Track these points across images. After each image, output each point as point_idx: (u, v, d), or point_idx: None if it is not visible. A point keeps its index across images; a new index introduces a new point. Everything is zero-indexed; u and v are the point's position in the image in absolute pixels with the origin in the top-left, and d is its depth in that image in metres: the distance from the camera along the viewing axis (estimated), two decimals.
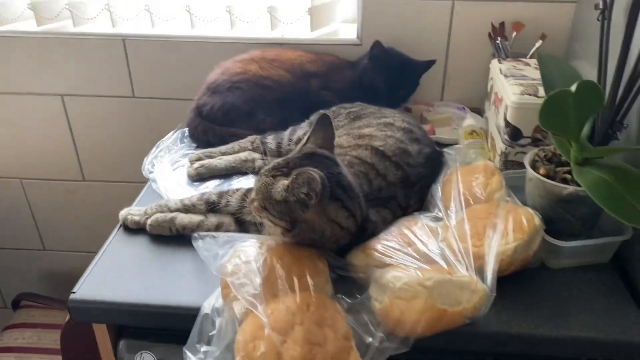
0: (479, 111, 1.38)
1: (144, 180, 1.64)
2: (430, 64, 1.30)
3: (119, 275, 0.90)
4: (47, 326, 1.61)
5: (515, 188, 0.97)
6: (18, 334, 1.60)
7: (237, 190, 0.99)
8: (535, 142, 1.06)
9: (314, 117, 1.21)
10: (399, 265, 0.79)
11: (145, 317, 0.85)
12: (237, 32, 1.42)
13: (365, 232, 0.86)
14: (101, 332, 0.90)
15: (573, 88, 0.72)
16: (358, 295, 0.77)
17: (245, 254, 0.79)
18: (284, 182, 0.79)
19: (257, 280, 0.75)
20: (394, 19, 1.35)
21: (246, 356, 0.69)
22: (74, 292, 0.86)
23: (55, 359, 1.51)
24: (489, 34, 1.31)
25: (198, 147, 1.25)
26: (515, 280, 0.85)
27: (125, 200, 1.66)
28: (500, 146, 1.10)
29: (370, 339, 0.72)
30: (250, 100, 1.23)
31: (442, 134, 1.29)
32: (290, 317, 0.71)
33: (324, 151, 0.86)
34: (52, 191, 1.69)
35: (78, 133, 1.58)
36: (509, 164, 1.09)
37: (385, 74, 1.27)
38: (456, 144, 1.23)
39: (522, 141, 1.06)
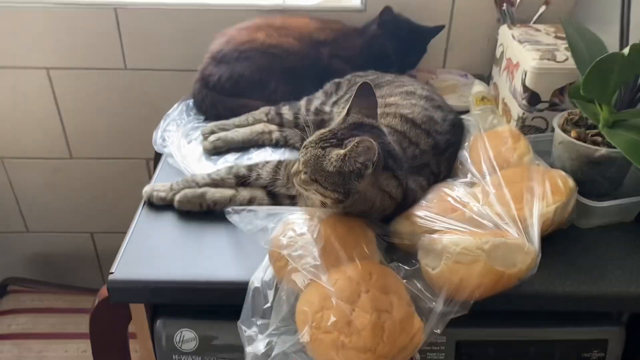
0: (481, 77, 1.40)
1: (136, 156, 1.60)
2: (438, 29, 1.29)
3: (154, 253, 0.87)
4: (42, 311, 1.55)
5: (537, 152, 0.99)
6: (10, 320, 1.53)
7: (267, 162, 0.97)
8: (553, 106, 1.08)
9: (327, 86, 1.19)
10: (448, 231, 0.80)
11: (188, 294, 0.83)
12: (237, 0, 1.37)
13: (407, 200, 0.86)
14: (139, 313, 0.87)
15: (625, 51, 0.73)
16: (414, 261, 0.78)
17: (299, 226, 0.78)
18: (338, 152, 0.77)
19: (315, 252, 0.74)
20: None
21: (316, 326, 0.68)
22: (112, 273, 0.83)
23: (55, 344, 1.46)
24: (495, 0, 1.31)
25: (206, 119, 1.21)
26: (552, 241, 0.88)
27: (116, 177, 1.62)
28: (518, 111, 1.11)
29: (433, 304, 0.72)
30: (260, 70, 1.20)
31: (450, 101, 1.29)
32: (355, 285, 0.71)
33: (371, 120, 0.85)
34: (37, 170, 1.61)
35: (65, 108, 1.51)
36: (526, 128, 1.11)
37: (395, 41, 1.26)
38: (466, 110, 1.24)
39: (540, 106, 1.08)
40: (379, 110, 1.00)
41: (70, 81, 1.46)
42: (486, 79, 1.39)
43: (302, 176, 0.80)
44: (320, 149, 0.79)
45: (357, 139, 0.74)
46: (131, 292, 0.83)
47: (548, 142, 1.05)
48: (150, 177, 1.60)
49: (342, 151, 0.77)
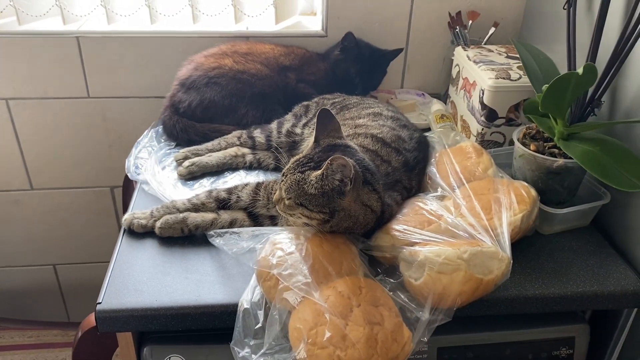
0: (437, 96, 1.47)
1: (101, 185, 1.58)
2: (397, 52, 1.36)
3: (140, 281, 0.87)
4: (6, 348, 1.50)
5: (497, 165, 1.05)
6: None
7: (247, 185, 0.99)
8: (509, 121, 1.16)
9: (296, 109, 1.23)
10: (426, 242, 0.84)
11: (178, 320, 0.83)
12: (201, 26, 1.39)
13: (384, 215, 0.90)
14: (126, 341, 0.87)
15: (580, 70, 0.81)
16: (398, 274, 0.82)
17: (286, 245, 0.80)
18: (316, 174, 0.81)
19: (305, 269, 0.77)
20: (356, 11, 1.40)
21: (312, 342, 0.71)
22: (99, 303, 0.82)
23: None
24: (449, 23, 1.39)
25: (178, 145, 1.22)
26: (520, 248, 0.94)
27: (80, 207, 1.60)
28: (477, 127, 1.18)
29: (420, 314, 0.76)
30: (230, 95, 1.22)
31: (410, 120, 1.36)
32: (347, 300, 0.74)
33: (343, 141, 0.89)
34: None
35: (25, 139, 1.48)
36: (485, 143, 1.18)
37: (358, 64, 1.32)
38: (427, 128, 1.30)
39: (497, 121, 1.16)
40: (351, 131, 1.05)
41: (30, 111, 1.44)
42: (442, 97, 1.47)
43: (287, 202, 0.83)
44: (299, 174, 0.83)
45: (330, 158, 0.78)
46: (119, 322, 0.82)
47: (506, 155, 1.12)
48: (115, 205, 1.60)
49: (319, 172, 0.81)
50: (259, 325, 0.79)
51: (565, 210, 0.97)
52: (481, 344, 0.92)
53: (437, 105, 1.36)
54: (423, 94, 1.48)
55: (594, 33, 0.96)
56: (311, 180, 0.81)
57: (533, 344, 0.93)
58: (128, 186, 1.36)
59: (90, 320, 0.86)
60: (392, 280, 0.81)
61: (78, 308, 1.74)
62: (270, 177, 1.13)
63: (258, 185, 0.98)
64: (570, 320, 0.95)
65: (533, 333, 0.93)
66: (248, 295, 0.82)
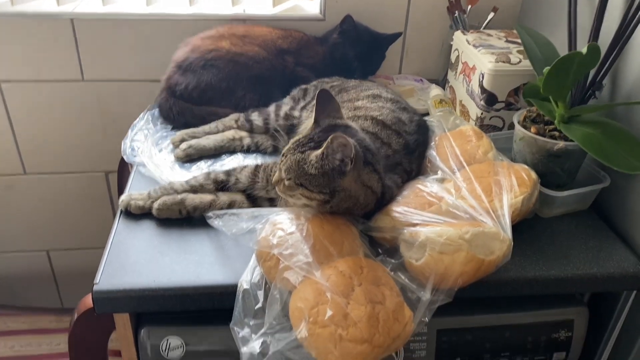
0: (435, 82, 1.46)
1: (95, 169, 1.56)
2: (396, 36, 1.35)
3: (137, 261, 0.86)
4: (0, 334, 1.48)
5: (497, 149, 1.05)
6: None
7: (245, 167, 0.98)
8: (508, 106, 1.15)
9: (294, 92, 1.22)
10: (427, 224, 0.84)
11: (176, 301, 0.82)
12: (197, 9, 1.38)
13: (385, 197, 0.89)
14: (123, 323, 0.86)
15: (584, 50, 0.80)
16: (398, 255, 0.81)
17: (287, 226, 0.79)
18: (316, 153, 0.80)
19: (306, 249, 0.76)
20: None
21: (313, 321, 0.70)
22: (96, 284, 0.81)
23: None
24: (448, 8, 1.38)
25: (174, 128, 1.21)
26: (520, 230, 0.93)
27: (74, 192, 1.58)
28: (476, 111, 1.18)
29: (421, 294, 0.76)
30: (227, 78, 1.21)
31: None
32: (348, 279, 0.73)
33: (343, 121, 0.88)
34: None
35: (18, 122, 1.45)
36: (484, 127, 1.17)
37: (356, 48, 1.30)
38: (425, 113, 1.29)
39: (497, 106, 1.15)
40: (350, 114, 1.04)
41: (23, 94, 1.41)
42: (440, 82, 1.46)
43: (286, 182, 0.82)
44: (299, 154, 0.82)
45: (330, 137, 0.77)
46: (117, 302, 0.81)
47: (505, 139, 1.12)
48: (110, 190, 1.59)
49: (319, 151, 0.80)
50: (259, 305, 0.78)
51: (565, 193, 0.96)
52: (480, 326, 0.92)
53: (435, 91, 1.36)
54: (421, 80, 1.47)
55: (595, 15, 0.95)
56: (311, 159, 0.80)
57: (532, 327, 0.93)
58: (123, 170, 1.34)
59: (87, 302, 0.85)
60: (392, 261, 0.80)
61: (72, 294, 1.73)
62: (269, 160, 1.12)
63: (257, 167, 0.97)
64: (569, 303, 0.95)
65: (532, 316, 0.93)
66: (248, 276, 0.82)
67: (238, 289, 0.80)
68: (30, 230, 1.62)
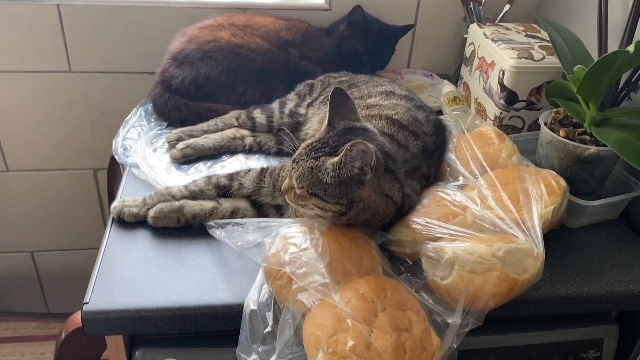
0: (446, 77, 1.39)
1: (83, 167, 1.47)
2: (407, 28, 1.26)
3: (132, 277, 0.78)
4: None
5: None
6: None
7: (250, 170, 0.90)
8: (530, 105, 1.08)
9: (300, 87, 1.14)
10: (452, 238, 0.76)
11: (174, 323, 0.74)
12: None
13: (404, 206, 0.82)
14: (116, 345, 0.77)
15: (631, 48, 0.72)
16: (423, 273, 0.74)
17: (300, 240, 0.71)
18: (332, 161, 0.72)
19: (322, 268, 0.68)
20: None
21: (332, 352, 0.62)
22: (86, 303, 0.73)
23: None
24: None
25: (170, 125, 1.12)
26: (546, 243, 0.86)
27: (60, 190, 1.48)
28: (495, 110, 1.10)
29: (451, 319, 0.68)
30: (227, 71, 1.12)
31: None
32: (370, 304, 0.66)
33: (360, 123, 0.80)
34: None
35: (0, 116, 1.36)
36: (503, 128, 1.10)
37: (366, 41, 1.22)
38: (438, 111, 1.21)
39: (517, 105, 1.08)
40: (363, 113, 0.96)
41: (5, 85, 1.32)
42: (451, 78, 1.38)
43: (298, 191, 0.74)
44: (313, 160, 0.74)
45: (349, 143, 0.69)
46: (109, 324, 0.73)
47: (524, 141, 1.04)
48: (99, 189, 1.49)
49: (336, 158, 0.72)
50: (268, 329, 0.70)
51: (597, 202, 0.89)
52: (505, 346, 0.85)
53: (448, 87, 1.28)
54: (431, 75, 1.39)
55: (631, 10, 0.88)
56: (327, 167, 0.72)
57: (559, 346, 0.86)
58: (114, 169, 1.26)
59: (76, 319, 0.77)
60: (417, 280, 0.73)
61: (58, 298, 1.63)
62: (273, 161, 1.04)
63: (263, 170, 0.89)
64: (599, 320, 0.88)
65: (559, 335, 0.86)
66: (254, 295, 0.74)
67: (244, 309, 0.72)
68: (13, 230, 1.53)
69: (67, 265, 1.57)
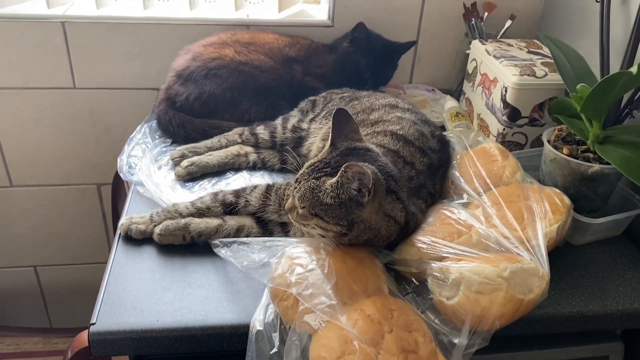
0: (448, 92, 1.39)
1: (86, 182, 1.47)
2: (410, 45, 1.27)
3: (138, 297, 0.78)
4: None
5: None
6: None
7: (256, 187, 0.90)
8: (532, 122, 1.08)
9: (303, 104, 1.14)
10: (457, 257, 0.76)
11: (180, 343, 0.74)
12: (198, 13, 1.29)
13: (409, 225, 0.82)
14: None
15: (634, 69, 0.73)
16: (429, 292, 0.74)
17: (306, 261, 0.72)
18: (331, 181, 0.72)
19: (328, 289, 0.68)
20: (365, 0, 1.31)
21: None
22: (93, 324, 0.73)
23: None
24: (464, 15, 1.31)
25: (174, 142, 1.12)
26: (550, 260, 0.86)
27: (63, 205, 1.49)
28: (497, 127, 1.10)
29: (457, 339, 0.68)
30: (232, 88, 1.13)
31: None
32: (377, 325, 0.66)
33: (363, 144, 0.81)
34: None
35: (4, 131, 1.36)
36: (506, 144, 1.10)
37: (368, 57, 1.23)
38: (440, 126, 1.22)
39: (520, 121, 1.08)
40: (368, 130, 0.96)
41: (10, 102, 1.32)
42: (453, 93, 1.39)
43: (300, 211, 0.75)
44: (314, 180, 0.74)
45: (344, 165, 0.69)
46: (116, 344, 0.73)
47: (527, 157, 1.05)
48: (102, 204, 1.50)
49: (334, 179, 0.72)
50: (275, 350, 0.70)
51: (601, 220, 0.89)
52: None
53: (450, 102, 1.28)
54: (433, 90, 1.40)
55: (634, 28, 0.88)
56: (326, 188, 0.73)
57: None
58: (118, 186, 1.26)
59: (82, 339, 0.76)
60: (423, 300, 0.73)
61: (61, 313, 1.63)
62: (277, 178, 1.04)
63: (269, 188, 0.89)
64: (604, 338, 0.88)
65: (565, 352, 0.86)
66: (260, 315, 0.74)
67: (250, 330, 0.72)
68: (16, 245, 1.53)
69: (70, 280, 1.57)
